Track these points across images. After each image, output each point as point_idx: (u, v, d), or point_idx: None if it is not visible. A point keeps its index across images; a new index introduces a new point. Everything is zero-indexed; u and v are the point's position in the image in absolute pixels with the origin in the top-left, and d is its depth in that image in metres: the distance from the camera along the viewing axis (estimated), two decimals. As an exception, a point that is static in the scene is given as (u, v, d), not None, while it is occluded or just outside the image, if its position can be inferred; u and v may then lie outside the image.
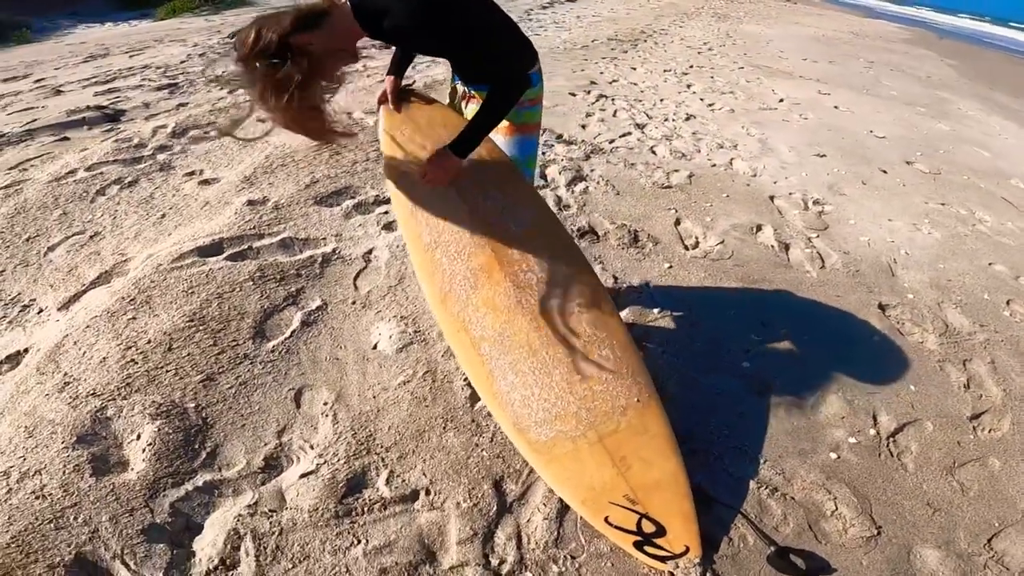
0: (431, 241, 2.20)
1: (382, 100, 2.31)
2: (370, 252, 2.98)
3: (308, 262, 2.85)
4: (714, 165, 4.40)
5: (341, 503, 1.95)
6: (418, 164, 2.19)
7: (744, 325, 2.77)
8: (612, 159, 4.10)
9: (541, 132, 2.35)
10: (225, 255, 2.76)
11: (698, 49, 8.45)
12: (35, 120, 3.93)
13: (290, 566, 1.79)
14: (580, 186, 3.70)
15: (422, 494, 2.00)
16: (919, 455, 2.30)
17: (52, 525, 1.78)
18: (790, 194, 4.08)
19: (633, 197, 3.68)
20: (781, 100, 6.30)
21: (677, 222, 3.51)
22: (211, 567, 1.77)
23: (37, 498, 1.85)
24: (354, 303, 2.69)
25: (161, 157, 3.51)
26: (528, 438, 1.97)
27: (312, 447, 2.12)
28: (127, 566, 1.73)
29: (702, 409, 2.34)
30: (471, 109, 2.26)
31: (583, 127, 4.57)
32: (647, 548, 1.81)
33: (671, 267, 3.11)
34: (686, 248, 3.29)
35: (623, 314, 2.72)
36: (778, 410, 2.38)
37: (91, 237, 2.91)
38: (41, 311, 2.55)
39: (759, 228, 3.59)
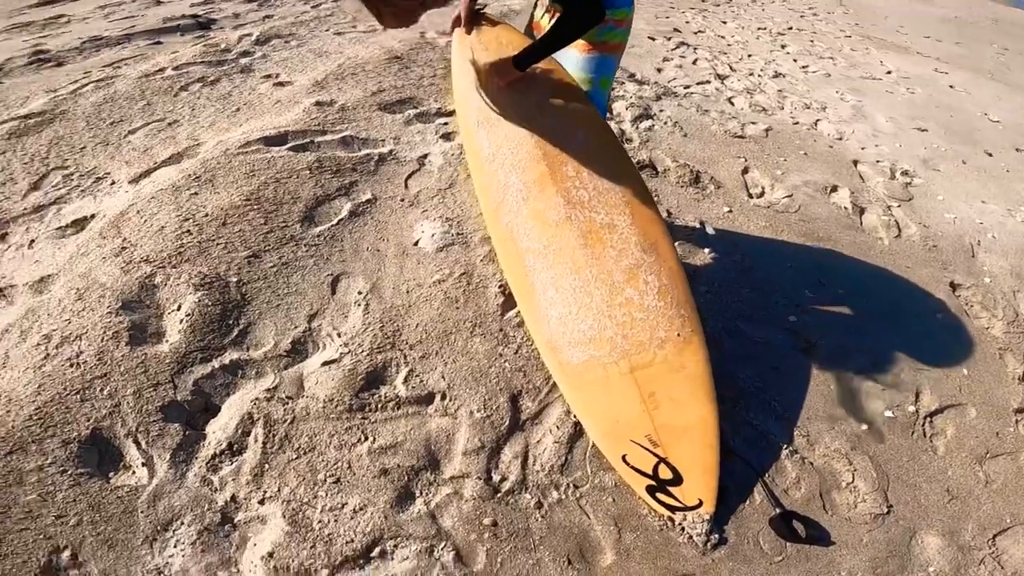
0: (490, 154, 1.94)
1: (455, 23, 2.12)
2: (425, 156, 2.71)
3: (364, 159, 2.62)
4: (796, 123, 3.85)
5: (356, 397, 1.76)
6: (483, 80, 2.01)
7: (799, 280, 2.37)
8: (684, 103, 3.62)
9: (620, 57, 2.01)
10: (288, 146, 2.56)
11: (801, 12, 7.50)
12: (133, 27, 3.81)
13: (294, 456, 1.62)
14: (645, 123, 3.27)
15: (437, 398, 1.78)
16: (953, 439, 1.91)
17: (78, 397, 1.66)
18: (877, 161, 3.51)
19: (701, 141, 3.23)
20: (889, 72, 5.48)
21: (745, 170, 3.06)
22: (218, 451, 1.62)
23: (71, 366, 1.73)
24: (402, 200, 2.45)
25: (243, 61, 3.33)
26: (560, 359, 1.71)
27: (339, 335, 1.93)
28: (138, 445, 1.60)
29: (738, 356, 2.01)
30: (549, 21, 1.97)
31: (658, 70, 4.06)
32: (659, 495, 1.54)
33: (730, 211, 2.71)
34: (750, 196, 2.86)
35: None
36: (818, 371, 2.01)
37: (169, 124, 2.76)
38: (113, 183, 2.43)
39: (834, 189, 3.10)
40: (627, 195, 1.83)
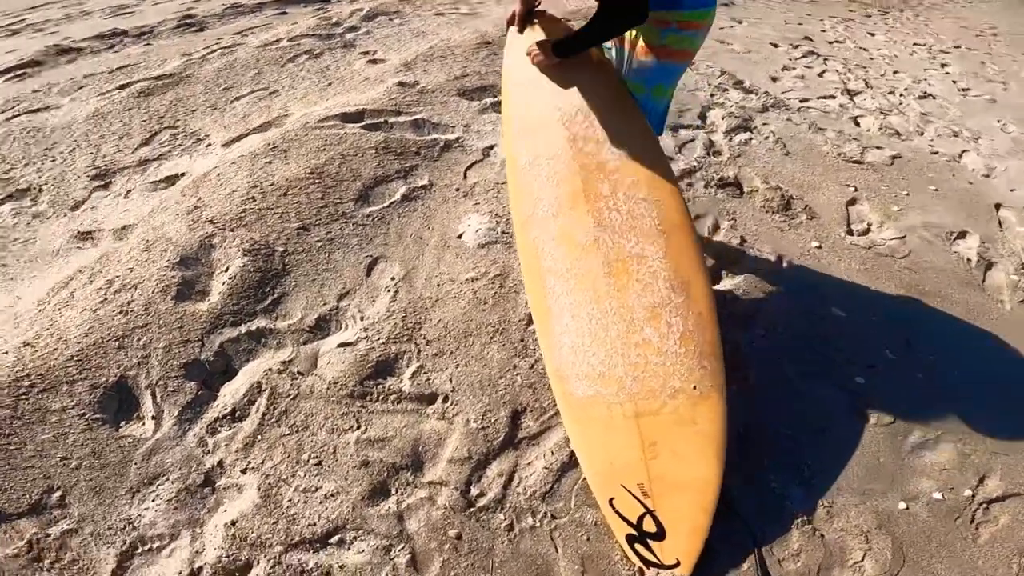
0: (527, 162, 1.82)
1: (510, 21, 2.04)
2: (491, 148, 2.64)
3: (430, 144, 2.59)
4: (935, 152, 3.31)
5: (361, 384, 1.73)
6: (532, 83, 1.90)
7: (883, 337, 2.02)
8: (795, 118, 3.23)
9: (691, 64, 1.81)
10: (362, 124, 2.59)
11: (978, 31, 6.52)
12: (268, -4, 4.06)
13: (286, 432, 1.62)
14: (742, 136, 2.95)
15: (439, 399, 1.71)
16: (1001, 529, 1.54)
17: (117, 344, 1.77)
18: (1026, 207, 2.94)
19: (805, 163, 2.86)
20: (1073, 105, 4.62)
21: (851, 202, 2.67)
22: (221, 414, 1.66)
23: (121, 312, 1.85)
24: (458, 190, 2.40)
25: (348, 36, 3.44)
26: (566, 388, 1.58)
27: (362, 319, 1.91)
28: (154, 398, 1.67)
29: (779, 410, 1.74)
30: None
31: (773, 79, 3.66)
32: (637, 546, 1.36)
33: (820, 247, 2.37)
34: (849, 232, 2.49)
35: (736, 281, 2.11)
36: (871, 440, 1.70)
37: (269, 94, 2.91)
38: (209, 145, 2.60)
39: (961, 235, 2.62)
40: (664, 223, 1.63)
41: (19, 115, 2.85)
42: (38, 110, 2.89)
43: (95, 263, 2.05)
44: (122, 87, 2.96)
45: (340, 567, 1.37)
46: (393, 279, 2.04)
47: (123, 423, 1.63)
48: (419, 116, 2.68)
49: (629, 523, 1.39)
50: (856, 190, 2.74)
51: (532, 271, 1.73)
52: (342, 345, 1.83)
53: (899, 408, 1.79)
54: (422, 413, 1.68)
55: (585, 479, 1.53)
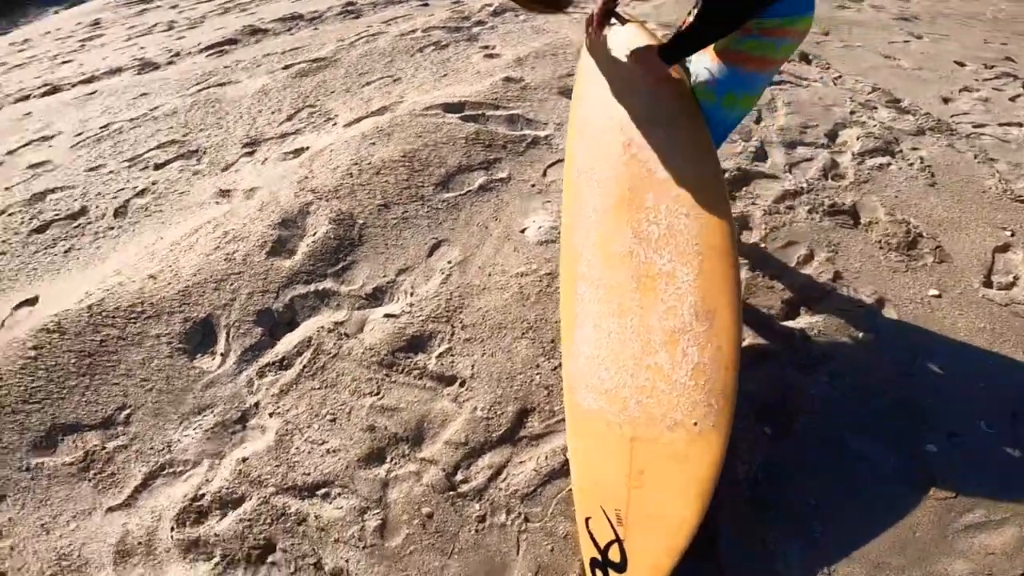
0: (582, 166, 1.76)
1: (589, 23, 1.94)
2: (575, 151, 2.57)
3: (518, 139, 2.59)
4: None
5: (392, 355, 1.81)
6: (600, 86, 1.82)
7: (982, 406, 1.64)
8: (960, 145, 2.69)
9: (777, 73, 1.62)
10: (461, 115, 2.67)
11: None
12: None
13: (315, 386, 1.76)
14: (877, 160, 2.53)
15: (456, 383, 1.73)
16: None
17: (214, 286, 2.03)
18: None
19: (954, 197, 2.39)
20: None
21: (1002, 248, 2.19)
22: (272, 360, 1.83)
23: (225, 259, 2.12)
24: (533, 186, 2.38)
25: (474, 30, 3.54)
26: (574, 398, 1.52)
27: (412, 294, 2.00)
28: (227, 338, 1.90)
29: (815, 464, 1.50)
30: None
31: (944, 100, 3.06)
32: (597, 572, 1.27)
33: (939, 296, 1.98)
34: (986, 284, 2.04)
35: (813, 320, 1.85)
36: (916, 512, 1.40)
37: (394, 80, 3.11)
38: (334, 124, 2.86)
39: None
40: (703, 244, 1.48)
41: (209, 87, 3.38)
42: (223, 84, 3.40)
43: (221, 216, 2.37)
44: (286, 67, 3.37)
45: (316, 517, 1.47)
46: (450, 262, 2.09)
47: (198, 356, 1.88)
48: (515, 112, 2.70)
49: (597, 547, 1.30)
50: (1012, 235, 2.24)
51: (567, 275, 1.68)
52: (387, 316, 1.93)
53: (969, 484, 1.45)
54: (437, 392, 1.72)
55: (570, 491, 1.46)
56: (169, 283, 2.06)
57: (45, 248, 2.43)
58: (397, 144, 2.53)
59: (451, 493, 1.48)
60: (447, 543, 1.41)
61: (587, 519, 1.35)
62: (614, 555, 1.28)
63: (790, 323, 1.85)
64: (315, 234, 2.21)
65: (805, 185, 2.36)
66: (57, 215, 2.57)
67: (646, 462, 1.34)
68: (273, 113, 3.07)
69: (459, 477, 1.52)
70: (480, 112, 2.66)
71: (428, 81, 3.01)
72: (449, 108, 2.67)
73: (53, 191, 2.72)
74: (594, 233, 1.66)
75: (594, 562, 1.30)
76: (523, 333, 1.85)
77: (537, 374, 1.75)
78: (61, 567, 1.41)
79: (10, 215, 2.61)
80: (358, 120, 2.82)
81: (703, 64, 1.63)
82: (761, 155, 2.56)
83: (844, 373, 1.71)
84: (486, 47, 3.24)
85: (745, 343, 1.74)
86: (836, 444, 1.54)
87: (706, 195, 1.52)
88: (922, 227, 2.24)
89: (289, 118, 3.01)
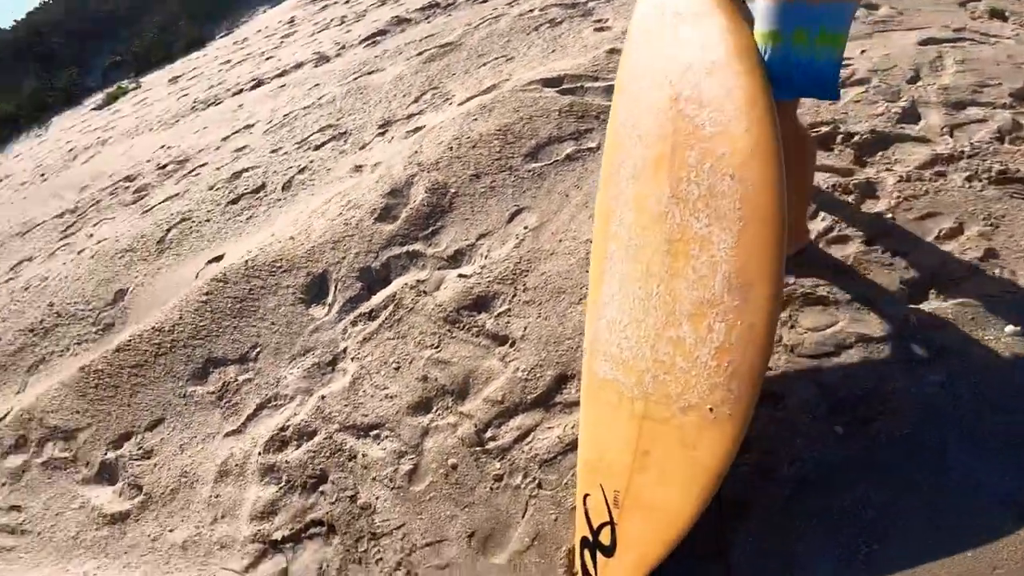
0: (624, 120, 1.46)
1: None
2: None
3: (610, 109, 2.27)
4: None
5: (458, 312, 1.74)
6: (652, 33, 1.45)
7: None
8: None
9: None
10: (559, 88, 2.40)
11: None
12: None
13: (390, 336, 1.75)
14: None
15: (507, 344, 1.61)
16: None
17: (332, 246, 2.12)
18: None
19: None
20: None
21: None
22: (364, 311, 1.87)
23: (344, 224, 2.20)
24: (615, 157, 2.07)
25: (590, 4, 3.12)
26: (591, 364, 1.31)
27: (486, 257, 1.89)
28: (336, 289, 1.98)
29: (887, 473, 1.09)
30: None
31: None
32: (586, 551, 1.10)
33: None
34: None
35: (943, 305, 1.35)
36: (1008, 542, 0.95)
37: (507, 60, 2.92)
38: (449, 104, 2.81)
39: None
40: (747, 209, 1.12)
41: (360, 76, 3.55)
42: (371, 72, 3.55)
43: (350, 188, 2.49)
44: (419, 54, 3.39)
45: (363, 455, 1.47)
46: (526, 228, 1.94)
47: (312, 305, 2.00)
48: (614, 82, 2.37)
49: (590, 526, 1.12)
50: None
51: (599, 232, 1.43)
52: (461, 276, 1.85)
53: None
54: (489, 351, 1.61)
55: (585, 463, 1.27)
56: (302, 243, 2.22)
57: (235, 216, 2.78)
58: (496, 119, 2.39)
59: (478, 449, 1.39)
60: (463, 495, 1.32)
61: (585, 496, 1.17)
62: (605, 537, 1.09)
63: (915, 305, 1.36)
64: (414, 202, 2.21)
65: (968, 149, 1.71)
66: (246, 189, 2.92)
67: (653, 444, 1.10)
68: (404, 96, 3.11)
69: (488, 434, 1.41)
70: (578, 84, 2.37)
71: (537, 58, 2.78)
72: (548, 82, 2.43)
73: (247, 170, 3.10)
74: (630, 190, 1.38)
75: (584, 541, 1.12)
76: (580, 299, 1.65)
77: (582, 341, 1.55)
78: (180, 483, 1.61)
79: (216, 190, 3.04)
80: (469, 99, 2.73)
81: (761, 3, 1.22)
82: (911, 116, 1.89)
83: (962, 376, 1.22)
84: (599, 20, 2.88)
85: (837, 326, 1.34)
86: (929, 456, 1.10)
87: (756, 155, 1.16)
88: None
89: (416, 100, 3.03)
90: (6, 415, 2.10)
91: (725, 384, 1.04)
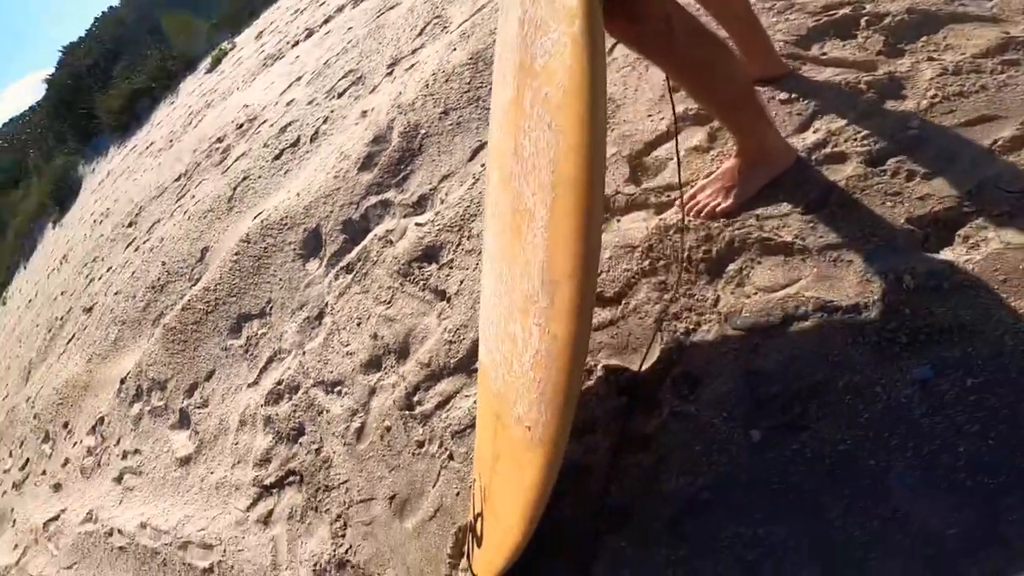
0: (497, 51, 1.02)
1: None
2: None
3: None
4: None
5: (408, 264, 1.49)
6: None
7: None
8: None
9: None
10: None
11: None
12: None
13: (357, 291, 1.57)
14: None
15: (445, 300, 1.35)
16: None
17: (324, 200, 1.92)
18: None
19: None
20: None
21: None
22: (343, 265, 1.68)
23: (335, 177, 1.96)
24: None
25: None
26: (479, 340, 1.04)
27: (443, 202, 1.58)
28: (326, 244, 1.81)
29: (801, 493, 0.71)
30: None
31: None
32: (470, 536, 0.91)
33: None
34: None
35: (972, 258, 0.81)
36: None
37: None
38: (447, 32, 2.30)
39: None
40: (557, 173, 0.68)
41: (381, 14, 3.06)
42: (391, 7, 3.02)
43: (346, 139, 2.22)
44: (426, -22, 2.81)
45: (327, 411, 1.37)
46: (483, 166, 1.57)
47: (309, 260, 1.87)
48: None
49: (473, 512, 0.92)
50: None
51: (489, 184, 1.06)
52: (418, 224, 1.58)
53: None
54: (432, 307, 1.37)
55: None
56: (303, 199, 2.06)
57: (277, 172, 2.66)
58: (472, 45, 1.89)
59: (407, 412, 1.21)
60: (392, 458, 1.18)
61: (474, 480, 0.96)
62: (479, 527, 0.89)
63: (912, 261, 0.83)
64: (390, 148, 1.90)
65: None
66: (286, 144, 2.77)
67: (501, 448, 0.82)
68: (412, 30, 2.63)
69: (416, 398, 1.21)
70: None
71: None
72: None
73: (289, 124, 2.93)
74: (493, 141, 0.99)
75: (470, 525, 0.93)
76: (517, 246, 1.32)
77: (515, 296, 1.25)
78: (218, 431, 1.66)
79: (267, 147, 2.94)
80: (460, 24, 2.22)
81: None
82: None
83: (961, 375, 0.71)
84: None
85: (795, 287, 0.86)
86: (864, 479, 0.71)
87: (573, 93, 0.67)
88: None
89: (420, 33, 2.54)
90: (133, 367, 2.36)
91: (538, 403, 0.70)
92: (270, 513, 1.34)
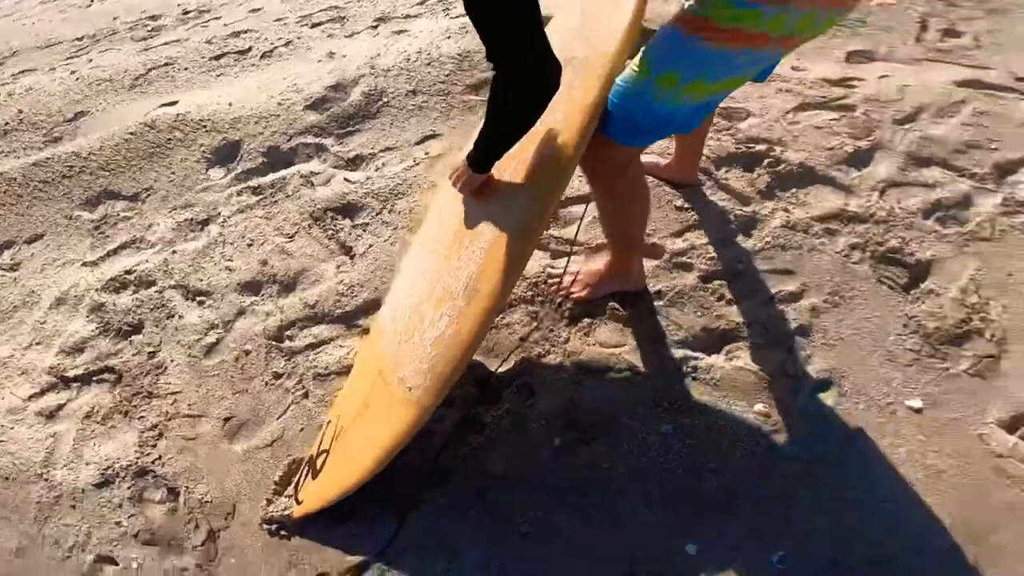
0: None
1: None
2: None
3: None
4: None
5: (324, 212, 1.50)
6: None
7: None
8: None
9: (753, 54, 0.78)
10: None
11: None
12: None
13: (260, 214, 1.53)
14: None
15: (348, 255, 1.38)
16: None
17: (255, 120, 1.83)
18: None
19: None
20: None
21: None
22: (252, 185, 1.64)
23: (278, 104, 1.89)
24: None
25: None
26: (382, 304, 1.14)
27: (376, 171, 1.62)
28: (240, 158, 1.73)
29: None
30: None
31: None
32: (305, 468, 0.98)
33: (920, 412, 1.07)
34: None
35: (715, 362, 1.12)
36: None
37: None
38: (448, 15, 2.40)
39: None
40: (504, 224, 0.92)
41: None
42: None
43: (304, 72, 2.16)
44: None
45: (180, 317, 1.31)
46: (427, 154, 1.66)
47: (215, 167, 1.75)
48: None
49: (318, 448, 0.97)
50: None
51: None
52: (346, 180, 1.61)
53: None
54: (332, 256, 1.39)
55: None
56: (235, 111, 1.93)
57: (209, 71, 2.45)
58: (466, 42, 2.02)
59: (274, 343, 1.21)
60: (241, 382, 1.16)
61: (328, 421, 1.01)
62: (320, 462, 0.94)
63: (689, 356, 1.09)
64: (346, 101, 1.91)
65: (883, 214, 1.31)
66: (233, 49, 2.56)
67: (373, 400, 0.92)
68: None
69: (289, 333, 1.23)
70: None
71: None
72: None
73: (246, 32, 2.71)
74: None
75: (308, 460, 0.97)
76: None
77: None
78: (24, 302, 1.44)
79: (210, 43, 2.70)
80: (463, 15, 2.34)
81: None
82: (860, 160, 1.44)
83: (688, 433, 1.01)
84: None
85: (620, 349, 1.09)
86: (608, 479, 0.92)
87: (553, 145, 0.90)
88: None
89: (421, 2, 2.61)
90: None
91: (427, 370, 0.85)
92: (60, 407, 1.20)
